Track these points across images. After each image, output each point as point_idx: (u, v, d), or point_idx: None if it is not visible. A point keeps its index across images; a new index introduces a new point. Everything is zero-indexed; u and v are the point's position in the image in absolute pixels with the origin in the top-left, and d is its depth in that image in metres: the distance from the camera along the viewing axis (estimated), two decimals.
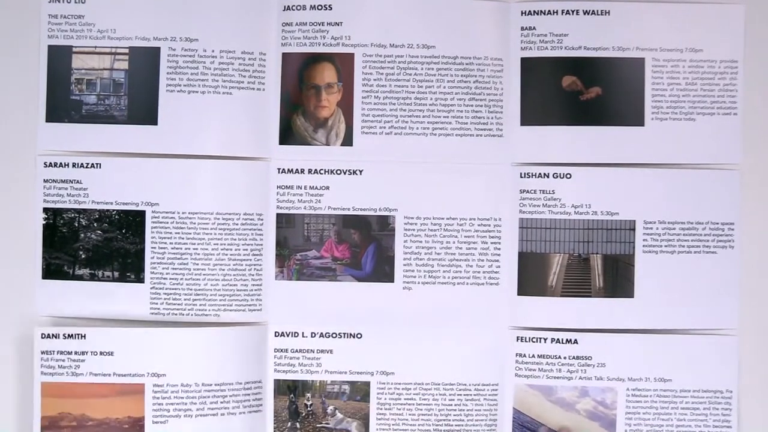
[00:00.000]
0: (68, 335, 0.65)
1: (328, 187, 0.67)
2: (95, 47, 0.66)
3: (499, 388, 0.66)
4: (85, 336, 0.65)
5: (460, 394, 0.66)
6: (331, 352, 0.67)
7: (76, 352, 0.64)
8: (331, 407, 0.67)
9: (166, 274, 0.65)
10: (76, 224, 0.66)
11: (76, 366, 0.64)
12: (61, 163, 0.66)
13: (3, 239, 0.66)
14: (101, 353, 0.65)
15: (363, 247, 0.67)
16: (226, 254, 0.65)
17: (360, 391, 0.67)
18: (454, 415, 0.66)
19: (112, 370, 0.64)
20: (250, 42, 0.66)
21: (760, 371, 0.66)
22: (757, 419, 0.66)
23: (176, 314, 0.65)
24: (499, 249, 0.66)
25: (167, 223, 0.65)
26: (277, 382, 0.67)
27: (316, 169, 0.67)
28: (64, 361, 0.64)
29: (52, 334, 0.64)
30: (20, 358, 0.66)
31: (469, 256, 0.66)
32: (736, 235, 0.66)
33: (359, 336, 0.67)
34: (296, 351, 0.67)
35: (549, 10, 0.66)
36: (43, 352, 0.64)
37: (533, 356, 0.66)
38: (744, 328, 0.65)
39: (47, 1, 0.66)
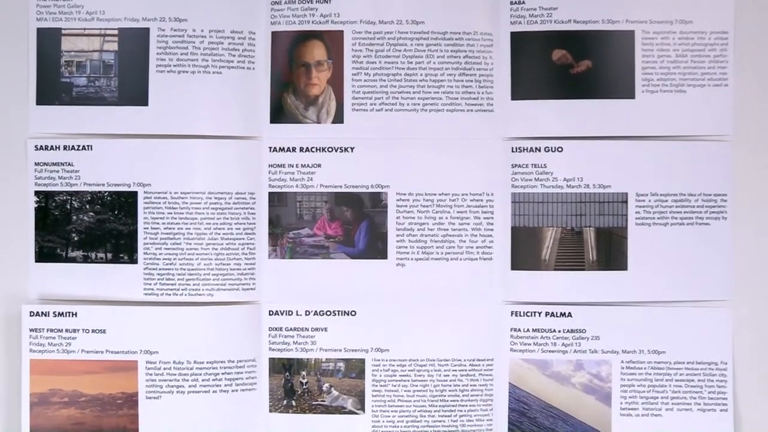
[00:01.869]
0: (59, 313, 0.65)
1: (319, 165, 0.66)
2: (84, 29, 0.66)
3: (495, 363, 0.66)
4: (76, 314, 0.65)
5: (456, 370, 0.66)
6: (325, 330, 0.67)
7: (67, 330, 0.65)
8: (326, 385, 0.67)
9: (159, 254, 0.65)
10: (68, 207, 0.66)
11: (68, 343, 0.65)
12: (52, 146, 0.66)
13: None
14: (93, 331, 0.65)
15: (355, 224, 0.67)
16: (219, 234, 0.65)
17: (355, 369, 0.67)
18: (450, 390, 0.66)
19: (104, 347, 0.65)
20: (239, 21, 0.66)
21: (754, 342, 0.66)
22: (753, 390, 0.66)
23: (170, 294, 0.65)
24: (492, 224, 0.66)
25: (159, 203, 0.65)
26: (272, 360, 0.67)
27: (307, 147, 0.66)
28: (54, 338, 0.65)
29: (42, 312, 0.65)
30: (11, 338, 0.66)
31: (461, 232, 0.66)
32: (728, 206, 0.66)
33: (353, 313, 0.66)
34: (290, 329, 0.67)
35: None
36: (31, 330, 0.65)
37: (528, 330, 0.66)
38: (738, 299, 0.65)
39: None
